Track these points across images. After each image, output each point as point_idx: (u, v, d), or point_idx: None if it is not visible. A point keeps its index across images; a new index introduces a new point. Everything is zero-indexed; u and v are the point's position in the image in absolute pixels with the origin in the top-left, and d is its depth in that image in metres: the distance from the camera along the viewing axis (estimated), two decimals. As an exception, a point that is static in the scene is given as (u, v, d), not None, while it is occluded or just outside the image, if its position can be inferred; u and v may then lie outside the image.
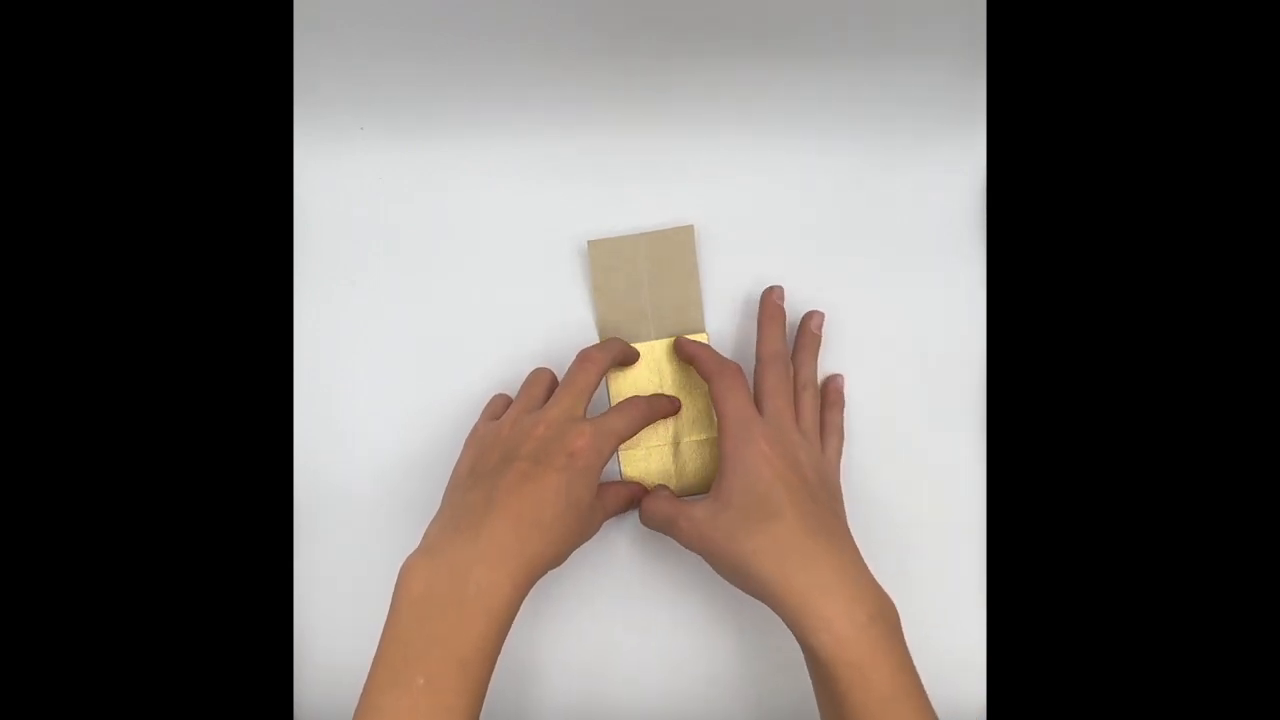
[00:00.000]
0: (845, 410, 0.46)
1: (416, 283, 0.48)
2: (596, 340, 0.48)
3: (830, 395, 0.46)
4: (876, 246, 0.48)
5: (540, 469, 0.38)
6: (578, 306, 0.48)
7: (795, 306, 0.48)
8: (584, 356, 0.43)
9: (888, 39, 0.44)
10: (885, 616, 0.36)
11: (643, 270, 0.47)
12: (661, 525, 0.43)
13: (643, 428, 0.43)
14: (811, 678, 0.38)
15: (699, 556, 0.41)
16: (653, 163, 0.48)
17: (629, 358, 0.46)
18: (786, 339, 0.45)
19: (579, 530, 0.40)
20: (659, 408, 0.44)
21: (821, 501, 0.40)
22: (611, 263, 0.47)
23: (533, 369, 0.45)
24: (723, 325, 0.48)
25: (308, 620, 0.46)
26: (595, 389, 0.42)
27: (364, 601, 0.47)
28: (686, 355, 0.45)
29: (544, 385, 0.44)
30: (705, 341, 0.47)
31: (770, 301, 0.46)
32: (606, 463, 0.40)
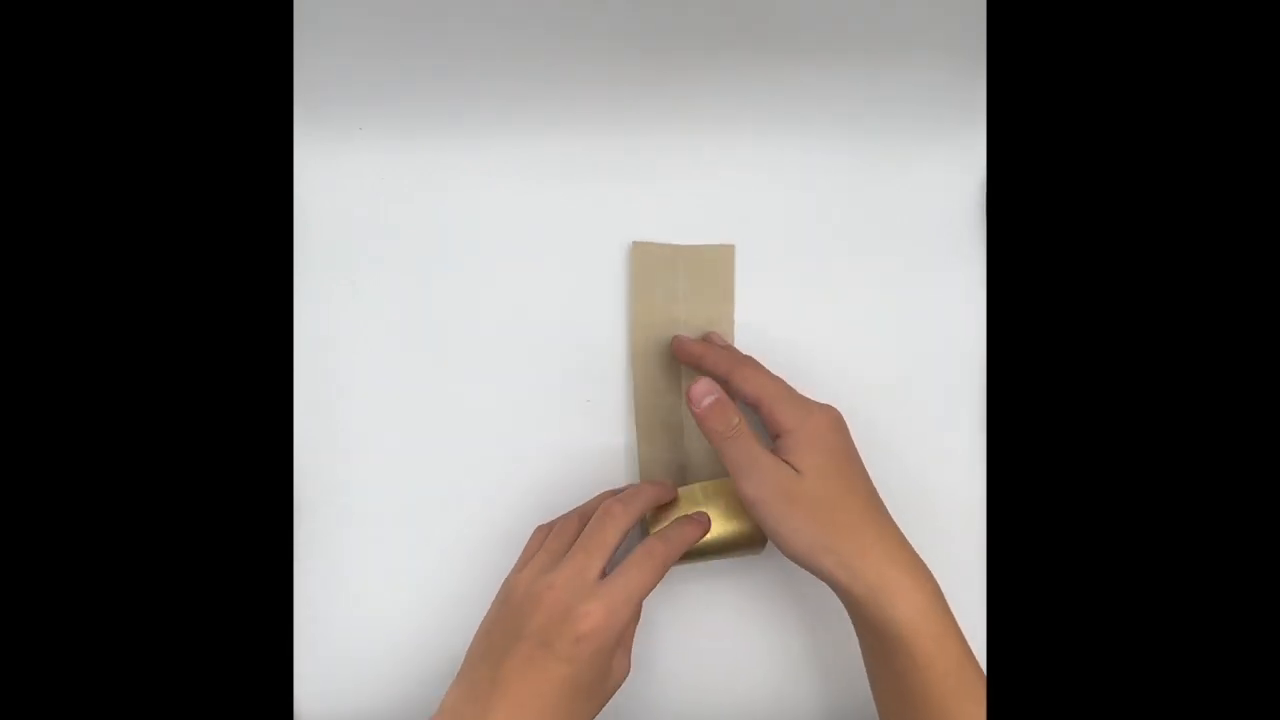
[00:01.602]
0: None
1: (417, 283, 0.48)
2: (606, 340, 0.48)
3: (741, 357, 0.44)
4: (876, 246, 0.48)
5: (545, 655, 0.36)
6: (579, 307, 0.48)
7: (794, 306, 0.48)
8: (607, 511, 0.39)
9: (888, 39, 0.44)
10: (937, 586, 0.38)
11: (681, 280, 0.47)
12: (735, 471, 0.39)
13: (666, 571, 0.39)
14: (874, 655, 0.38)
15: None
16: (651, 163, 0.48)
17: (661, 500, 0.43)
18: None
19: (594, 708, 0.38)
20: (682, 542, 0.41)
21: (865, 474, 0.41)
22: (652, 267, 0.47)
23: (562, 518, 0.42)
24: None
25: (308, 621, 0.46)
26: (618, 548, 0.39)
27: (364, 602, 0.47)
28: (692, 356, 0.43)
29: (568, 540, 0.40)
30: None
31: (683, 344, 0.44)
32: (626, 628, 0.37)
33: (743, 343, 0.47)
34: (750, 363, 0.42)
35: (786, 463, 0.38)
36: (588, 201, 0.48)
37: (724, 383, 0.41)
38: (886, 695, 0.38)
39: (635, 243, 0.47)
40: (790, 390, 0.41)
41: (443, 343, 0.48)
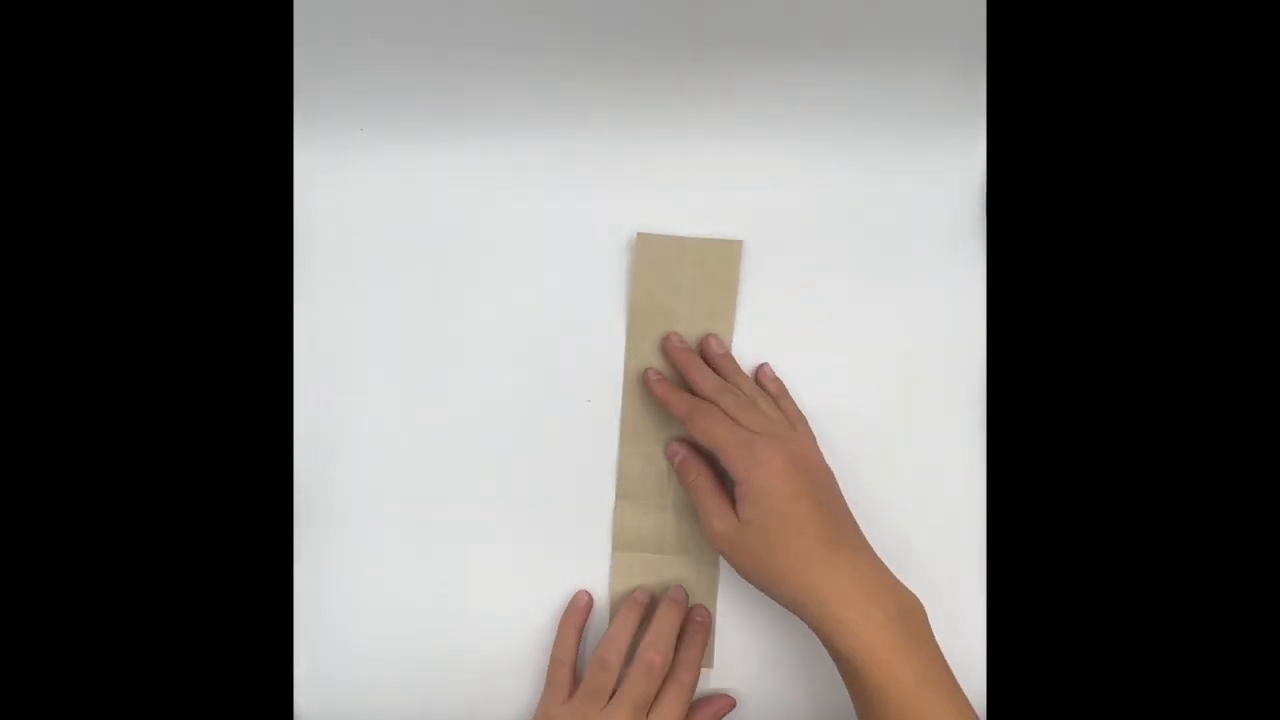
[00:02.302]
0: (795, 393, 0.47)
1: (416, 283, 0.48)
2: (607, 340, 0.47)
3: (773, 386, 0.46)
4: (876, 247, 0.48)
5: None
6: (580, 308, 0.48)
7: (794, 306, 0.48)
8: (649, 666, 0.42)
9: (888, 40, 0.44)
10: (904, 613, 0.38)
11: (684, 273, 0.47)
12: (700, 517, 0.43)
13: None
14: (843, 679, 0.39)
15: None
16: (652, 165, 0.48)
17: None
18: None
19: None
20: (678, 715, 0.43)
21: (830, 505, 0.41)
22: (656, 259, 0.47)
23: (597, 661, 0.43)
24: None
25: (308, 621, 0.46)
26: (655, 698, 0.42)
27: (364, 602, 0.47)
28: (657, 397, 0.45)
29: (611, 680, 0.42)
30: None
31: (675, 346, 0.46)
32: None
33: (741, 341, 0.47)
34: (706, 411, 0.42)
35: (734, 511, 0.41)
36: (587, 203, 0.48)
37: (684, 424, 0.43)
38: (857, 710, 0.39)
39: (640, 233, 0.47)
40: (742, 437, 0.41)
41: (443, 341, 0.48)
